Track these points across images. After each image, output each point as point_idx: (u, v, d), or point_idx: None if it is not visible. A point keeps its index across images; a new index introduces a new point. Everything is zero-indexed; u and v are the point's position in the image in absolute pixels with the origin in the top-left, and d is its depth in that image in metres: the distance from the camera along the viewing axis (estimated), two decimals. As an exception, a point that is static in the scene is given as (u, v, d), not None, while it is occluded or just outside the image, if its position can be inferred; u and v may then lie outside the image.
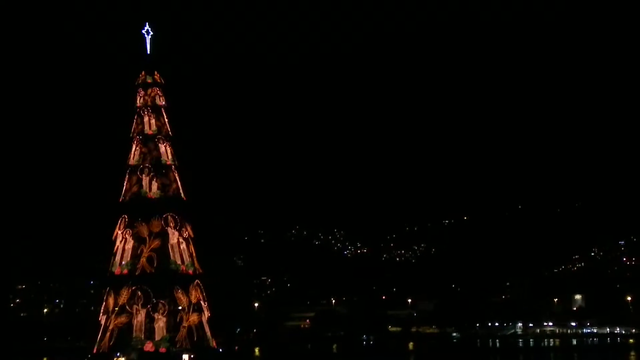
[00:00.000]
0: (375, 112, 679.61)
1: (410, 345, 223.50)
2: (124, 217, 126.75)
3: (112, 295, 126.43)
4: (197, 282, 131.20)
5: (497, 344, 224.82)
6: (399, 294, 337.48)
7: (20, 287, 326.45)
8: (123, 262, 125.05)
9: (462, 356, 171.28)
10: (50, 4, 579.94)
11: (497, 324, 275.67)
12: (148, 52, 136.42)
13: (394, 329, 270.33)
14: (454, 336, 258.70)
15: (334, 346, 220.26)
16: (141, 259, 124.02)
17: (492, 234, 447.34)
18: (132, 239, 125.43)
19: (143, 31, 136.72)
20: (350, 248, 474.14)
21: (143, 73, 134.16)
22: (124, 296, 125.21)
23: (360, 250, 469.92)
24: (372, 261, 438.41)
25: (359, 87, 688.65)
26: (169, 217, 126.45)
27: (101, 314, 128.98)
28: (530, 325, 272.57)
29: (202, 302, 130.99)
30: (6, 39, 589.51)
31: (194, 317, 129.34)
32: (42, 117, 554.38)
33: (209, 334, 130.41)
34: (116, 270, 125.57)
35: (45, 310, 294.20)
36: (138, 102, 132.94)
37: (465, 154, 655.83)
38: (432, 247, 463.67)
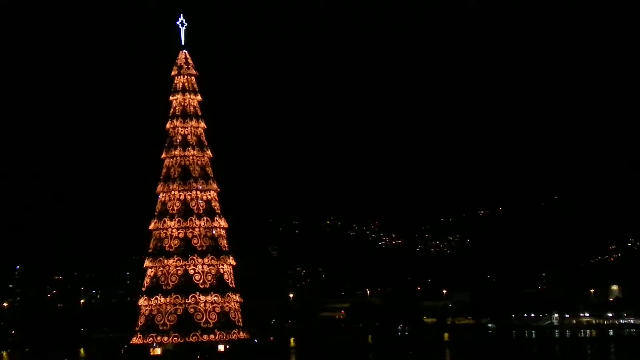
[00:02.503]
0: (412, 102, 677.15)
1: (446, 336, 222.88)
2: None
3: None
4: (231, 272, 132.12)
5: (533, 335, 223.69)
6: (434, 284, 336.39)
7: (57, 278, 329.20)
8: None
9: (498, 347, 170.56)
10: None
11: (532, 314, 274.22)
12: (183, 43, 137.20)
13: (429, 320, 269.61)
14: (490, 327, 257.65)
15: (369, 337, 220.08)
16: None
17: (528, 225, 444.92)
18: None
19: (178, 22, 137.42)
20: (385, 239, 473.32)
21: (180, 56, 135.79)
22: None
23: (395, 241, 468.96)
24: (406, 252, 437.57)
25: (392, 77, 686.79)
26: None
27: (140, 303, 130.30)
28: (567, 316, 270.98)
29: (237, 293, 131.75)
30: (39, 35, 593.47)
31: (229, 308, 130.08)
32: (81, 114, 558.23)
33: (244, 325, 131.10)
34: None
35: (82, 301, 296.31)
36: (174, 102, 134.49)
37: (501, 144, 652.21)
38: (467, 237, 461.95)
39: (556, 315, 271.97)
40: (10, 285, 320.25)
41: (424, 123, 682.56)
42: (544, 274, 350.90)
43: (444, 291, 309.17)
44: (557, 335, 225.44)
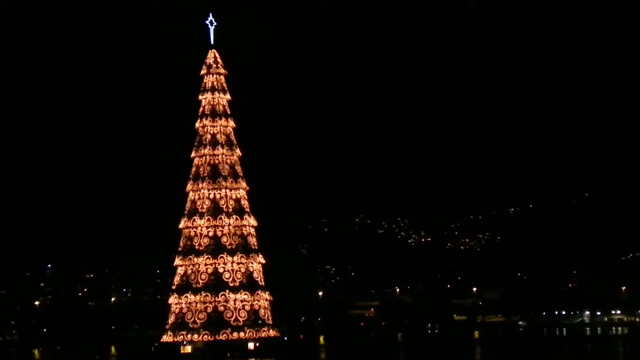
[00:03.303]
0: (439, 99, 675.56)
1: (476, 334, 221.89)
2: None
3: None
4: (261, 271, 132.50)
5: (564, 333, 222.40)
6: (463, 282, 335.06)
7: (87, 276, 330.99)
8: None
9: (529, 345, 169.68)
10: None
11: (564, 312, 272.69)
12: (212, 42, 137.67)
13: (459, 317, 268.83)
14: (520, 325, 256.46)
15: (399, 335, 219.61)
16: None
17: (559, 222, 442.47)
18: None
19: (207, 21, 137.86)
20: (415, 237, 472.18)
21: (209, 55, 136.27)
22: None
23: (425, 239, 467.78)
24: (436, 250, 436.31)
25: (416, 74, 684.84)
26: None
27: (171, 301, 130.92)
28: (598, 313, 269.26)
29: (267, 291, 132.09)
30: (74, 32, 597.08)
31: (258, 306, 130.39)
32: (113, 114, 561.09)
33: (273, 323, 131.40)
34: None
35: (112, 299, 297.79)
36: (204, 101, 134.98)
37: (532, 141, 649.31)
38: (498, 235, 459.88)
39: (587, 312, 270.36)
40: (42, 284, 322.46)
41: (454, 120, 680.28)
42: (575, 272, 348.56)
43: (474, 289, 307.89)
44: (588, 332, 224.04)
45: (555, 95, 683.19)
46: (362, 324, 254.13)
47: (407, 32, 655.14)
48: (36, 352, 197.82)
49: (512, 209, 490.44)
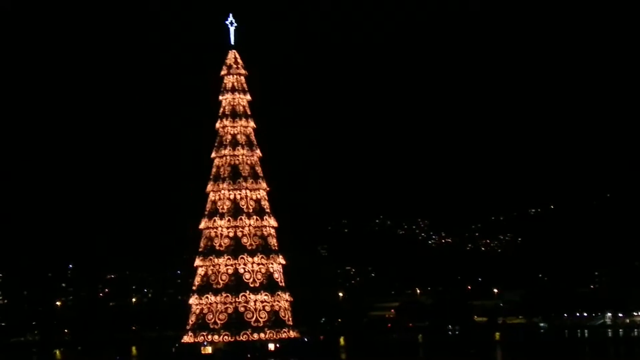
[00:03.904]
0: (461, 100, 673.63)
1: (497, 335, 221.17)
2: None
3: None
4: (281, 271, 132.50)
5: (586, 335, 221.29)
6: (484, 283, 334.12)
7: (109, 277, 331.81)
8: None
9: (550, 347, 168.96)
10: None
11: (585, 314, 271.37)
12: (232, 42, 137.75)
13: (479, 319, 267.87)
14: (542, 326, 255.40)
15: (419, 336, 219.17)
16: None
17: (580, 223, 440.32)
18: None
19: (227, 22, 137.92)
20: (435, 238, 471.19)
21: (230, 56, 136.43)
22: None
23: (445, 240, 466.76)
24: (457, 251, 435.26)
25: (434, 75, 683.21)
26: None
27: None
28: (620, 315, 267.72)
29: (287, 292, 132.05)
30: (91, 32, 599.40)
31: (279, 307, 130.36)
32: (133, 114, 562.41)
33: (293, 323, 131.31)
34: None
35: (133, 299, 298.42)
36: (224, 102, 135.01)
37: (552, 142, 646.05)
38: (519, 236, 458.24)
39: (609, 314, 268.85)
40: (63, 284, 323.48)
41: (476, 121, 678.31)
42: (596, 273, 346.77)
43: (495, 290, 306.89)
44: (610, 334, 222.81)
45: (576, 94, 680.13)
46: (389, 325, 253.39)
47: (423, 32, 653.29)
48: (57, 352, 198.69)
49: (533, 210, 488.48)
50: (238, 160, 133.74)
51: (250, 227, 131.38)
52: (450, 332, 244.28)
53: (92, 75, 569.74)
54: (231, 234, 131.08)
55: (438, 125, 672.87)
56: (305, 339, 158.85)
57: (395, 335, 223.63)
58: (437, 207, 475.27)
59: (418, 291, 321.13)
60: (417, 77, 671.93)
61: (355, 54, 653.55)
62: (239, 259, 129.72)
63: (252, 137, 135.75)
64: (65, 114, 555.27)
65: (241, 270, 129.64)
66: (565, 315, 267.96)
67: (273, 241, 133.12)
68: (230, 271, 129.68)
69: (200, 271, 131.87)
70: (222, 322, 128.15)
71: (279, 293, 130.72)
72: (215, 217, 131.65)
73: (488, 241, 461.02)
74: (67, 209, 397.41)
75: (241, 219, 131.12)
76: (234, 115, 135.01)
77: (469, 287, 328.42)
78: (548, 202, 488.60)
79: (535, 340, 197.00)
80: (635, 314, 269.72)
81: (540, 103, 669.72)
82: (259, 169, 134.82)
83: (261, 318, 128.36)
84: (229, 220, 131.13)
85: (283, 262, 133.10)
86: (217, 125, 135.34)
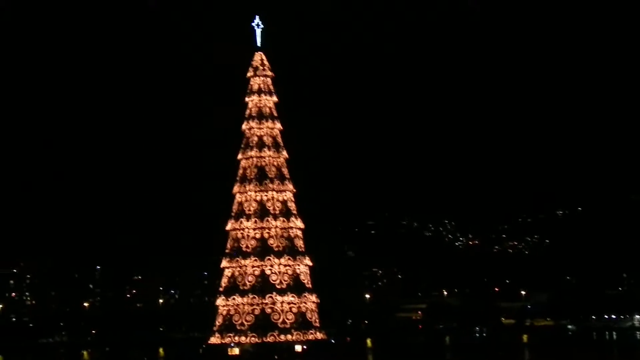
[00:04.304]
0: (488, 100, 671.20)
1: (524, 337, 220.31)
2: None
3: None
4: (308, 273, 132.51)
5: (614, 337, 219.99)
6: (511, 285, 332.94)
7: (136, 278, 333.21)
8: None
9: (578, 349, 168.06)
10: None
11: (613, 316, 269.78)
12: (258, 44, 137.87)
13: (507, 321, 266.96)
14: (569, 328, 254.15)
15: (446, 338, 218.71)
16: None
17: (609, 225, 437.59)
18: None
19: (253, 24, 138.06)
20: (462, 239, 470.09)
21: (256, 57, 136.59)
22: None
23: (472, 242, 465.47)
24: (484, 253, 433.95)
25: (459, 78, 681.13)
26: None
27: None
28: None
29: (314, 293, 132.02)
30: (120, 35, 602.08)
31: (305, 308, 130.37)
32: (159, 116, 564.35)
33: (320, 325, 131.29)
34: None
35: (160, 301, 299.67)
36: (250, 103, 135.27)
37: (581, 143, 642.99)
38: (546, 238, 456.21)
39: (638, 316, 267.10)
40: (91, 286, 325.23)
41: (503, 123, 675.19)
42: (625, 275, 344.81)
43: (522, 292, 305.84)
44: (638, 337, 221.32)
45: (607, 95, 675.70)
46: (420, 326, 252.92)
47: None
48: (85, 353, 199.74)
49: (560, 212, 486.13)
50: (264, 161, 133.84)
51: (277, 229, 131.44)
52: (477, 334, 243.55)
53: (116, 75, 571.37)
54: (258, 236, 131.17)
55: (466, 127, 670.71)
56: (332, 341, 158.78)
57: (422, 337, 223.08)
58: (463, 208, 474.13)
59: (445, 293, 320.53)
60: (442, 77, 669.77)
61: (378, 55, 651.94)
62: (265, 260, 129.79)
63: (279, 139, 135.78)
64: (91, 115, 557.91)
65: (268, 272, 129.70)
66: (593, 317, 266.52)
67: (299, 243, 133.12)
68: (256, 272, 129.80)
69: (227, 272, 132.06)
70: (249, 323, 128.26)
71: (306, 294, 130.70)
72: (241, 219, 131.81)
73: (515, 243, 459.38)
74: (94, 211, 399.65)
75: (267, 221, 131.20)
76: (261, 116, 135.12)
77: (497, 288, 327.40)
78: (576, 204, 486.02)
79: (563, 343, 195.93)
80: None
81: (568, 103, 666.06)
82: (285, 171, 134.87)
83: (288, 319, 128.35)
84: (255, 222, 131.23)
85: (310, 263, 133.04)
86: (244, 126, 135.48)
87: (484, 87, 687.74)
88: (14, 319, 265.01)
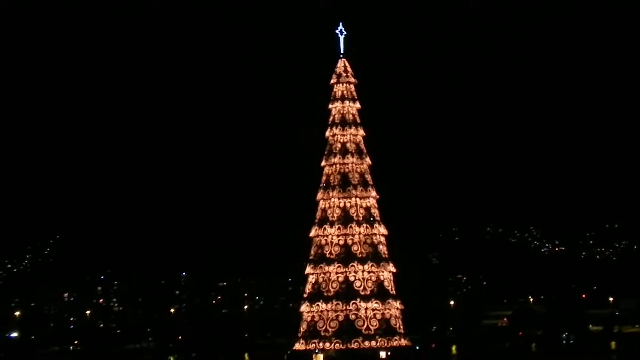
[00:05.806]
0: (573, 110, 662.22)
1: (612, 344, 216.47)
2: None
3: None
4: (392, 279, 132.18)
5: None
6: (599, 292, 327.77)
7: (221, 284, 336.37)
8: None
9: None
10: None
11: None
12: (342, 51, 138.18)
13: (595, 328, 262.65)
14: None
15: (533, 345, 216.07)
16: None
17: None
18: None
19: (337, 31, 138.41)
20: (548, 246, 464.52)
21: (339, 64, 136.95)
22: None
23: (559, 248, 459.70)
24: (571, 259, 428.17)
25: (552, 86, 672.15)
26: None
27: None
28: None
29: (398, 300, 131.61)
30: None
31: (389, 315, 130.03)
32: (239, 123, 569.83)
33: (404, 332, 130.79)
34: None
35: (245, 307, 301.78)
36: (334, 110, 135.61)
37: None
38: (634, 244, 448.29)
39: None
40: (177, 292, 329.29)
41: (588, 129, 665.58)
42: None
43: (611, 299, 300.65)
44: None
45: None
46: (520, 333, 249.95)
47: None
48: (171, 359, 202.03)
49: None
50: (348, 168, 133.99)
51: (360, 235, 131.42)
52: (564, 341, 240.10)
53: (211, 85, 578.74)
54: (341, 242, 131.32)
55: (552, 134, 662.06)
56: (417, 347, 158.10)
57: (508, 344, 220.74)
58: (549, 214, 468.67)
59: (531, 299, 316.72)
60: (529, 90, 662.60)
61: (461, 59, 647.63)
62: (349, 266, 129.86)
63: (362, 145, 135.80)
64: (182, 129, 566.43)
65: (352, 278, 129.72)
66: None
67: (383, 249, 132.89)
68: (340, 279, 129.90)
69: (311, 279, 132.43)
70: (333, 329, 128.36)
71: (390, 301, 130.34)
72: (325, 225, 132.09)
73: (603, 249, 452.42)
74: (181, 219, 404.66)
75: (351, 227, 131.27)
76: (344, 123, 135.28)
77: (584, 295, 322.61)
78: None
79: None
80: None
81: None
82: (368, 177, 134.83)
83: (372, 326, 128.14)
84: (339, 228, 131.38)
85: (393, 270, 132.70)
86: (327, 133, 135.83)
87: (576, 94, 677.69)
88: (101, 325, 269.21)
